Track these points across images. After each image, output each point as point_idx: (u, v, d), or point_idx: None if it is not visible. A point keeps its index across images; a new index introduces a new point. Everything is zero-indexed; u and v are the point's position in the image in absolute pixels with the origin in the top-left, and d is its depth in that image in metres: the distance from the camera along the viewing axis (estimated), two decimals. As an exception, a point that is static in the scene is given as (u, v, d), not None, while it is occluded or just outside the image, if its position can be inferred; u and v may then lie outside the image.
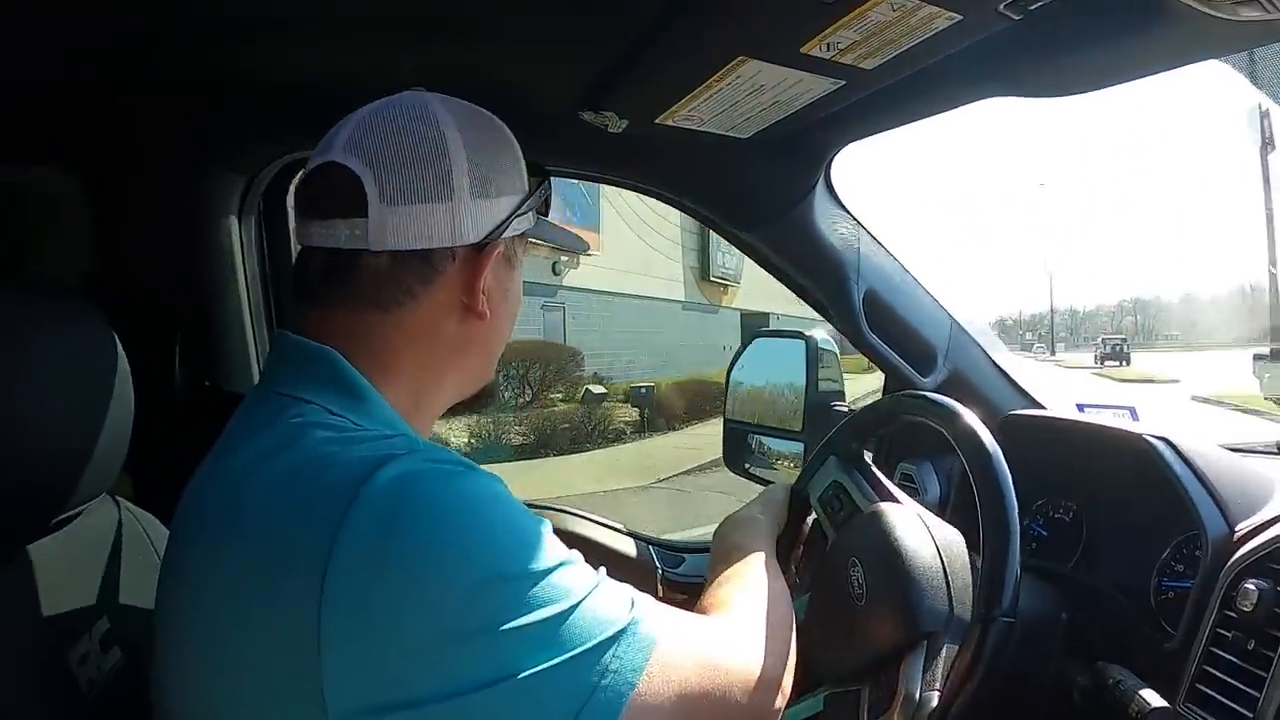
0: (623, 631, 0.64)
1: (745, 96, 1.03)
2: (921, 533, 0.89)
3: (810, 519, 1.06)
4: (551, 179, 0.87)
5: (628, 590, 0.69)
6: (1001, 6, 0.81)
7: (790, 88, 1.00)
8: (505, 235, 0.78)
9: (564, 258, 16.65)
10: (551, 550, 0.64)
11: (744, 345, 1.65)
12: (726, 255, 22.82)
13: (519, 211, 0.79)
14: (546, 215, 0.88)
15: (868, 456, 1.05)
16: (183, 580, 0.66)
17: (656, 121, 1.10)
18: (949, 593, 0.84)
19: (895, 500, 0.96)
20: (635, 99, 1.07)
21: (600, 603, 0.64)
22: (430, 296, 0.76)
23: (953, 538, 0.89)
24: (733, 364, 1.62)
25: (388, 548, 0.59)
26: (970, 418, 0.91)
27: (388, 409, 0.73)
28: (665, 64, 0.97)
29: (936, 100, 1.09)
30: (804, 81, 0.98)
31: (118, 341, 0.81)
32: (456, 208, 0.74)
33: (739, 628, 0.79)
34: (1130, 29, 0.85)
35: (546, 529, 0.66)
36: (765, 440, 1.54)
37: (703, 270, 23.16)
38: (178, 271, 1.29)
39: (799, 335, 1.50)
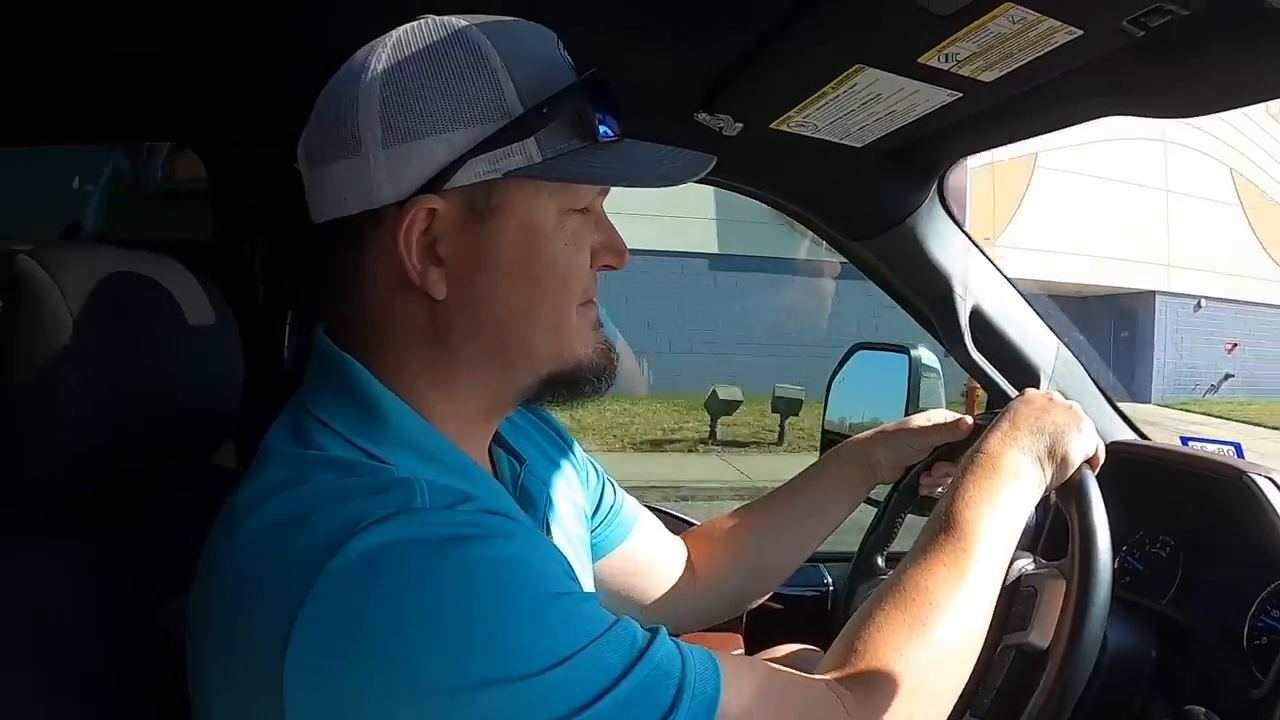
0: None
1: (861, 105, 1.04)
2: None
3: None
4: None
5: (675, 668, 0.55)
6: (1124, 23, 0.81)
7: (907, 98, 1.01)
8: (463, 184, 0.60)
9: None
10: (564, 639, 0.52)
11: (845, 357, 1.65)
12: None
13: (483, 150, 0.60)
14: (593, 140, 0.64)
15: None
16: (195, 586, 0.61)
17: (771, 126, 1.13)
18: None
19: None
20: (751, 102, 1.09)
21: (626, 699, 0.52)
22: (370, 274, 0.64)
23: None
24: (834, 375, 1.63)
25: (351, 635, 0.51)
26: (1093, 495, 0.87)
27: (412, 423, 0.63)
28: (783, 68, 1.00)
29: (1055, 115, 1.08)
30: (921, 92, 0.99)
31: (231, 312, 0.84)
32: (366, 161, 0.60)
33: (894, 660, 0.64)
34: (1260, 48, 0.83)
35: (570, 606, 0.55)
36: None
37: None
38: (293, 249, 1.34)
39: (902, 349, 1.50)
